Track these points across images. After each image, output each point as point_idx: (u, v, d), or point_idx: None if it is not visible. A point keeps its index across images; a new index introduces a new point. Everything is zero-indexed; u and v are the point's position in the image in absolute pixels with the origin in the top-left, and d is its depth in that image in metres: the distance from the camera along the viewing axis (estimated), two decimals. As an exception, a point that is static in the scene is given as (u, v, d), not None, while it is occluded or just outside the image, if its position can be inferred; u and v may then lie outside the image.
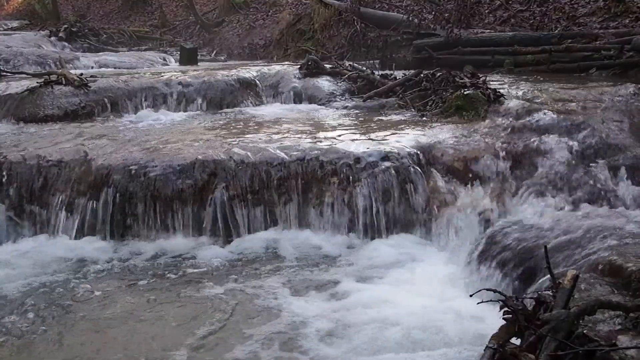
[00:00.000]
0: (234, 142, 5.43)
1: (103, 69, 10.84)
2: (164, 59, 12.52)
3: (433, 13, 11.79)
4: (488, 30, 10.59)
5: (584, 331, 2.41)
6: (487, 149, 5.14)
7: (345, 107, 7.17)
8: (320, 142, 5.39)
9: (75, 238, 4.83)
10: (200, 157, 5.06)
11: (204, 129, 6.29)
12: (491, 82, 6.70)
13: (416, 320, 3.52)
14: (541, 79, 7.99)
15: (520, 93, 6.41)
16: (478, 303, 2.74)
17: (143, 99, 7.42)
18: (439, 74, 6.95)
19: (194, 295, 4.00)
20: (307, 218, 4.91)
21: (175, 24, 18.86)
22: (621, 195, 4.75)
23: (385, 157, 5.03)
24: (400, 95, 7.00)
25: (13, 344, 3.41)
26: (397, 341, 3.34)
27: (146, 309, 3.83)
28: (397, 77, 7.69)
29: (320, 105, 7.51)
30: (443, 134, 5.45)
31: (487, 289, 2.74)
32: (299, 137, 5.60)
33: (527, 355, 2.34)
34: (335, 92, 7.77)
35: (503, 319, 2.56)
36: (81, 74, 7.77)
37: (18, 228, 4.93)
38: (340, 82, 7.95)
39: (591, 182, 4.83)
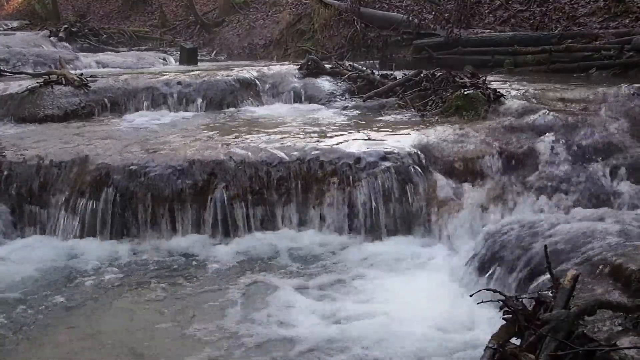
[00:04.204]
0: (234, 142, 5.43)
1: (103, 69, 10.84)
2: (164, 59, 12.52)
3: (433, 13, 11.80)
4: (488, 30, 10.60)
5: (584, 331, 2.41)
6: (487, 149, 5.14)
7: (345, 107, 7.17)
8: (320, 142, 5.39)
9: (76, 238, 4.83)
10: (200, 157, 5.07)
11: (204, 129, 6.28)
12: (491, 82, 6.70)
13: (415, 320, 3.52)
14: (541, 79, 7.99)
15: (520, 93, 6.41)
16: (478, 303, 2.74)
17: (143, 99, 7.41)
18: (439, 74, 6.95)
19: (194, 295, 4.00)
20: (307, 218, 4.91)
21: (175, 24, 18.85)
22: (621, 195, 4.75)
23: (385, 157, 5.02)
24: (400, 95, 7.00)
25: (12, 344, 3.41)
26: (394, 340, 3.34)
27: (146, 308, 3.83)
28: (397, 77, 7.69)
29: (320, 105, 7.51)
30: (443, 134, 5.45)
31: (487, 289, 2.74)
32: (299, 137, 5.60)
33: (527, 355, 2.34)
34: (335, 92, 7.77)
35: (503, 319, 2.56)
36: (81, 74, 7.77)
37: (18, 228, 4.94)
38: (340, 82, 7.95)
39: (591, 182, 4.83)
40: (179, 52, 12.66)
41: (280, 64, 9.75)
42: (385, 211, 4.84)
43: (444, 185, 4.95)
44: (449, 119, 5.97)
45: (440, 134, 5.47)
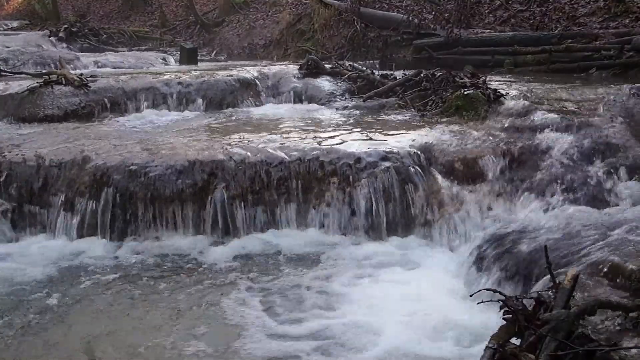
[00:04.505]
0: (234, 142, 5.43)
1: (103, 69, 10.85)
2: (164, 59, 12.52)
3: (433, 13, 11.81)
4: (488, 30, 10.61)
5: (584, 331, 2.41)
6: (487, 149, 5.14)
7: (345, 107, 7.17)
8: (320, 142, 5.39)
9: (76, 238, 4.83)
10: (200, 157, 5.06)
11: (204, 129, 6.29)
12: (491, 82, 6.70)
13: (415, 320, 3.53)
14: (541, 79, 8.00)
15: (520, 93, 6.41)
16: (478, 303, 2.74)
17: (143, 99, 7.41)
18: (439, 74, 6.95)
19: (193, 295, 4.00)
20: (307, 218, 4.90)
21: (175, 24, 18.87)
22: (621, 195, 4.75)
23: (386, 157, 5.03)
24: (400, 95, 7.00)
25: (11, 344, 3.41)
26: (393, 340, 3.34)
27: (146, 308, 3.83)
28: (397, 77, 7.69)
29: (320, 105, 7.51)
30: (443, 134, 5.45)
31: (487, 289, 2.74)
32: (299, 137, 5.60)
33: (527, 355, 2.34)
34: (335, 92, 7.78)
35: (503, 319, 2.56)
36: (81, 74, 7.77)
37: (18, 228, 4.94)
38: (340, 82, 7.96)
39: (591, 181, 4.83)
40: (179, 52, 12.67)
41: (280, 64, 9.76)
42: (386, 211, 4.84)
43: (444, 185, 4.95)
44: (449, 119, 5.97)
45: (440, 134, 5.48)
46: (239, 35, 15.98)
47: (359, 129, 5.94)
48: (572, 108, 5.66)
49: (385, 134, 5.63)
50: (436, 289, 3.96)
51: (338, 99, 7.59)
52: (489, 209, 4.75)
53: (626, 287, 2.95)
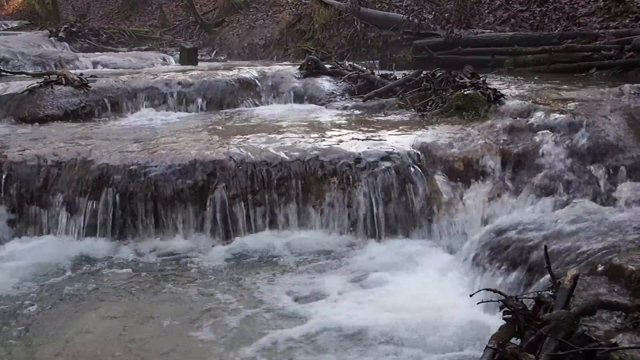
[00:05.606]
0: (234, 142, 5.43)
1: (103, 69, 10.84)
2: (164, 59, 12.51)
3: (433, 13, 11.80)
4: (488, 30, 10.61)
5: (584, 331, 2.41)
6: (487, 149, 5.14)
7: (345, 107, 7.17)
8: (320, 142, 5.39)
9: (76, 238, 4.83)
10: (200, 157, 5.07)
11: (204, 129, 6.29)
12: (491, 82, 6.70)
13: (415, 320, 3.52)
14: (541, 79, 7.99)
15: (520, 93, 6.41)
16: (478, 303, 2.75)
17: (143, 99, 7.42)
18: (439, 74, 6.95)
19: (194, 295, 4.00)
20: (306, 218, 4.91)
21: (175, 24, 18.84)
22: (621, 195, 4.75)
23: (385, 157, 5.03)
24: (400, 95, 7.00)
25: (12, 343, 3.42)
26: (393, 341, 3.34)
27: (146, 308, 3.83)
28: (397, 77, 7.69)
29: (320, 105, 7.51)
30: (443, 134, 5.45)
31: (487, 289, 2.74)
32: (299, 137, 5.60)
33: (527, 355, 2.35)
34: (335, 92, 7.77)
35: (503, 319, 2.56)
36: (81, 74, 7.77)
37: (18, 228, 4.94)
38: (340, 82, 7.96)
39: (591, 181, 4.83)
40: (179, 52, 12.66)
41: (280, 64, 9.76)
42: (385, 211, 4.85)
43: (443, 185, 4.95)
44: (449, 119, 5.96)
45: (440, 134, 5.47)
46: (239, 35, 15.96)
47: (359, 129, 5.93)
48: (572, 108, 5.65)
49: (385, 134, 5.63)
50: (436, 288, 3.96)
51: (338, 99, 7.59)
52: (489, 208, 4.75)
53: (626, 287, 2.95)
